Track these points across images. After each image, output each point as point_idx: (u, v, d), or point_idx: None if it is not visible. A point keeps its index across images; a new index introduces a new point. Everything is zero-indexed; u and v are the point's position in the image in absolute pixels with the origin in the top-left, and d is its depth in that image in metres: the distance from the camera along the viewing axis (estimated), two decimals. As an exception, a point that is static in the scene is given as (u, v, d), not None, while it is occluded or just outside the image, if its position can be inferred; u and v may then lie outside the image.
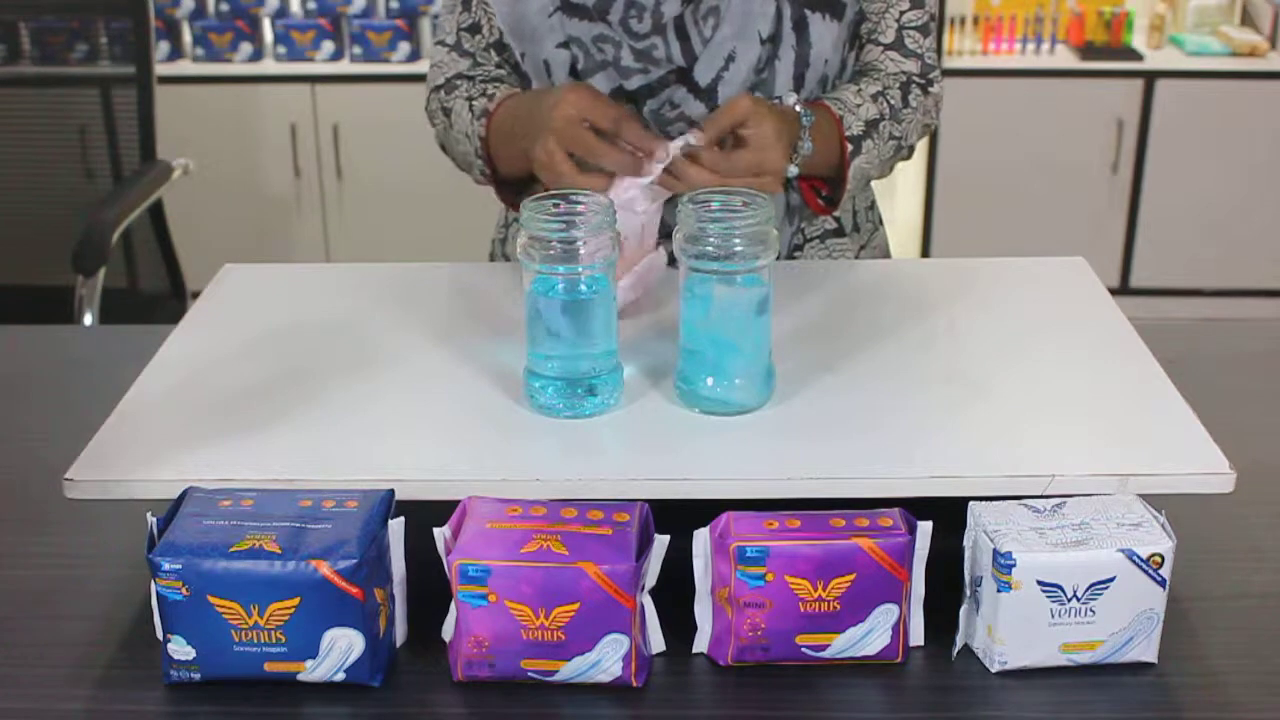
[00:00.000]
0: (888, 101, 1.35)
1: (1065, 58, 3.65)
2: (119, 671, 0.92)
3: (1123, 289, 3.71)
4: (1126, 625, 0.89)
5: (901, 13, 1.38)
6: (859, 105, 1.33)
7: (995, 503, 0.92)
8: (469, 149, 1.37)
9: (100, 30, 2.57)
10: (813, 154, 1.27)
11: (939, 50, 1.46)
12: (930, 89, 1.40)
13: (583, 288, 1.05)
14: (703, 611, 0.92)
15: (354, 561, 0.86)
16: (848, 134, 1.31)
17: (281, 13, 3.68)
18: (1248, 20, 3.81)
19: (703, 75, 1.32)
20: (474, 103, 1.36)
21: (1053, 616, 0.88)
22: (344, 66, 3.63)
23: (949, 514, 0.92)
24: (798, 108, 1.26)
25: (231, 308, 1.29)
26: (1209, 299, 3.74)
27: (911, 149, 1.41)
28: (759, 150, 1.20)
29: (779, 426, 1.05)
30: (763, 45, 1.32)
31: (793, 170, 1.26)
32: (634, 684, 0.89)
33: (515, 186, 1.39)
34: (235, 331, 1.22)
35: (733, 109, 1.20)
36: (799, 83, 1.34)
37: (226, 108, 3.60)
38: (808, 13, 1.32)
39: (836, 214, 1.44)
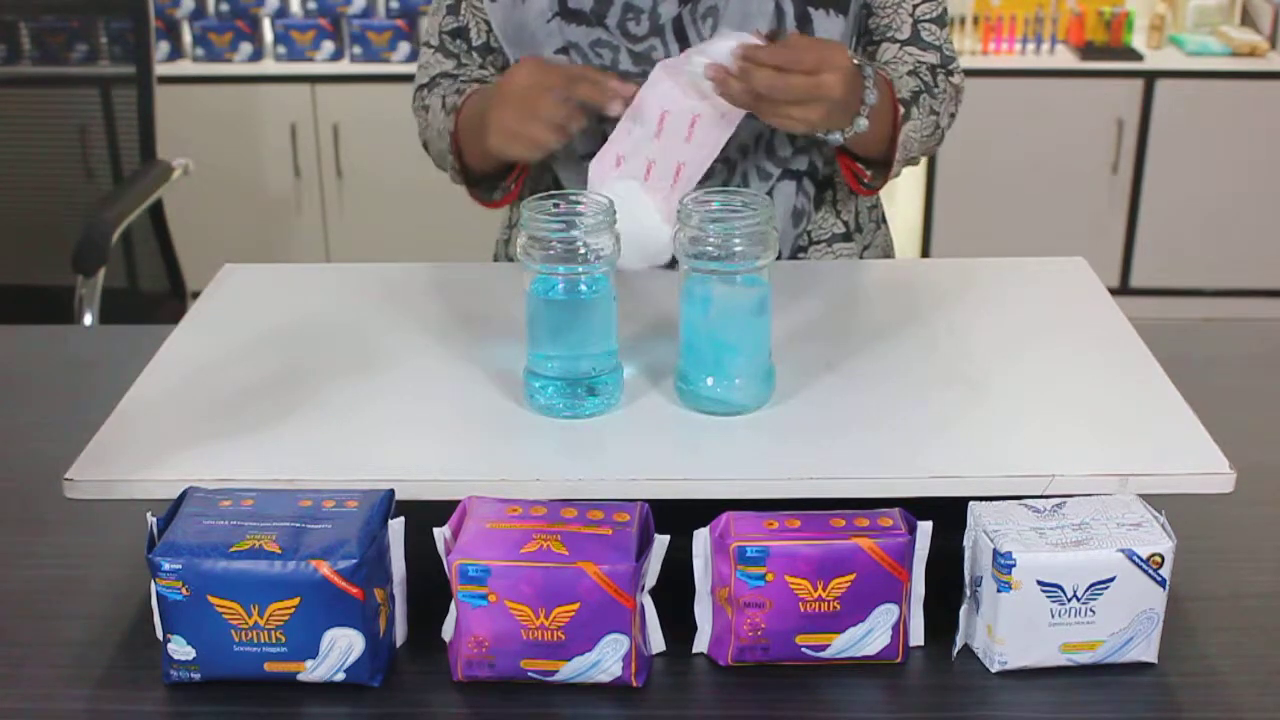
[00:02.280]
0: (920, 79, 1.36)
1: (1065, 58, 3.65)
2: (119, 671, 0.92)
3: (1123, 289, 3.71)
4: (1126, 625, 0.89)
5: (915, 6, 1.38)
6: (898, 78, 1.33)
7: (995, 503, 0.92)
8: (443, 146, 1.38)
9: (100, 30, 2.57)
10: (876, 105, 1.24)
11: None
12: (952, 77, 1.40)
13: (583, 288, 1.05)
14: (703, 611, 0.92)
15: (354, 561, 0.86)
16: (898, 97, 1.31)
17: (281, 13, 3.68)
18: (1248, 20, 3.81)
19: None
20: (446, 99, 1.38)
21: (1053, 616, 0.88)
22: (344, 66, 3.63)
23: (949, 514, 0.92)
24: (854, 60, 1.24)
25: (231, 308, 1.29)
26: (1209, 299, 3.74)
27: (942, 135, 1.41)
28: (821, 47, 1.17)
29: (779, 426, 1.05)
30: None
31: (862, 123, 1.24)
32: (634, 684, 0.89)
33: (487, 185, 1.40)
34: (235, 331, 1.22)
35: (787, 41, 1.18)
36: None
37: (226, 108, 3.60)
38: (810, 10, 1.32)
39: (845, 217, 1.45)
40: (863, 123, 1.25)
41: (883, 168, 1.37)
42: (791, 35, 1.24)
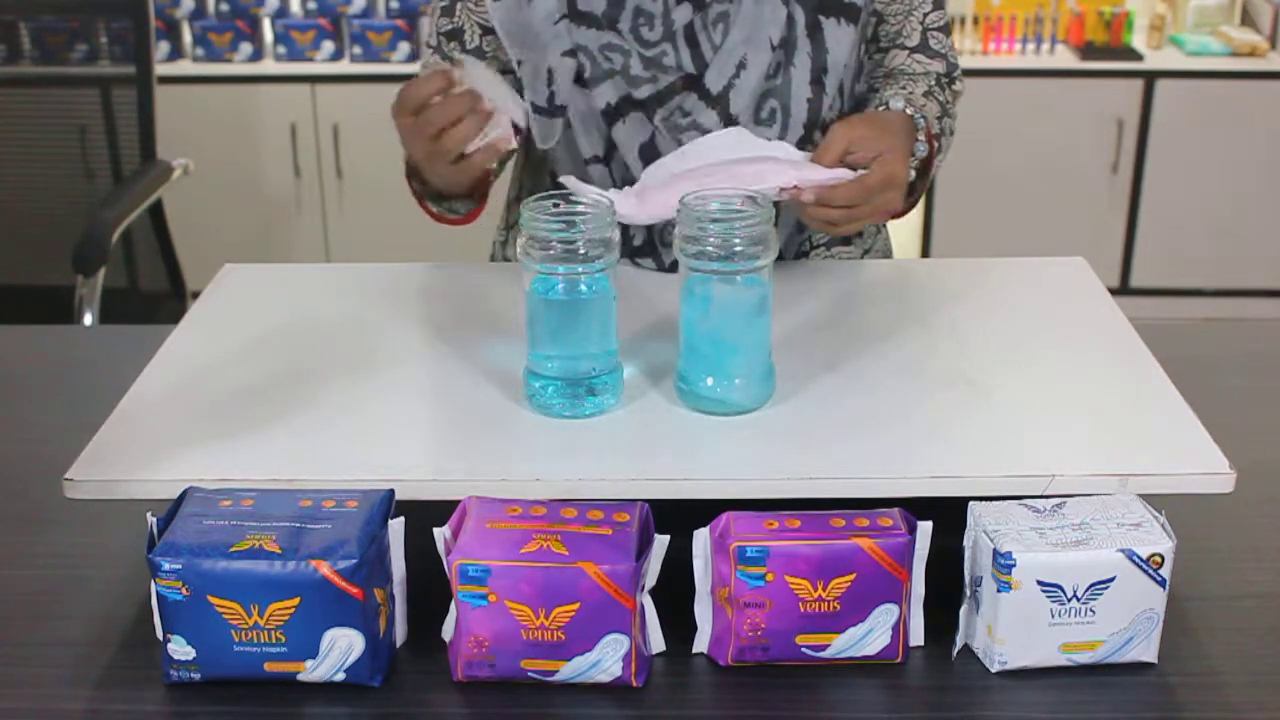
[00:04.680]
0: (937, 100, 1.37)
1: (1065, 58, 3.65)
2: (119, 671, 0.92)
3: (1123, 289, 3.71)
4: (1126, 625, 0.89)
5: (925, 14, 1.40)
6: (924, 105, 1.34)
7: (995, 503, 0.92)
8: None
9: (100, 30, 2.57)
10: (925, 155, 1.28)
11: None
12: (954, 85, 1.43)
13: (583, 288, 1.05)
14: (703, 611, 0.92)
15: (354, 561, 0.86)
16: (932, 133, 1.33)
17: (281, 13, 3.68)
18: (1248, 20, 3.81)
19: (714, 82, 1.32)
20: None
21: (1053, 616, 0.88)
22: (344, 66, 3.63)
23: (949, 514, 0.92)
24: (908, 110, 1.27)
25: (231, 308, 1.29)
26: (1209, 299, 3.74)
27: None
28: (884, 163, 1.19)
29: (779, 426, 1.05)
30: (773, 51, 1.31)
31: (910, 174, 1.26)
32: (634, 684, 0.89)
33: (438, 200, 1.36)
34: (235, 331, 1.22)
35: (838, 142, 1.19)
36: (817, 88, 1.34)
37: (226, 108, 3.60)
38: (821, 18, 1.32)
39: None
40: (910, 174, 1.27)
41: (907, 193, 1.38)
42: (852, 136, 1.20)
